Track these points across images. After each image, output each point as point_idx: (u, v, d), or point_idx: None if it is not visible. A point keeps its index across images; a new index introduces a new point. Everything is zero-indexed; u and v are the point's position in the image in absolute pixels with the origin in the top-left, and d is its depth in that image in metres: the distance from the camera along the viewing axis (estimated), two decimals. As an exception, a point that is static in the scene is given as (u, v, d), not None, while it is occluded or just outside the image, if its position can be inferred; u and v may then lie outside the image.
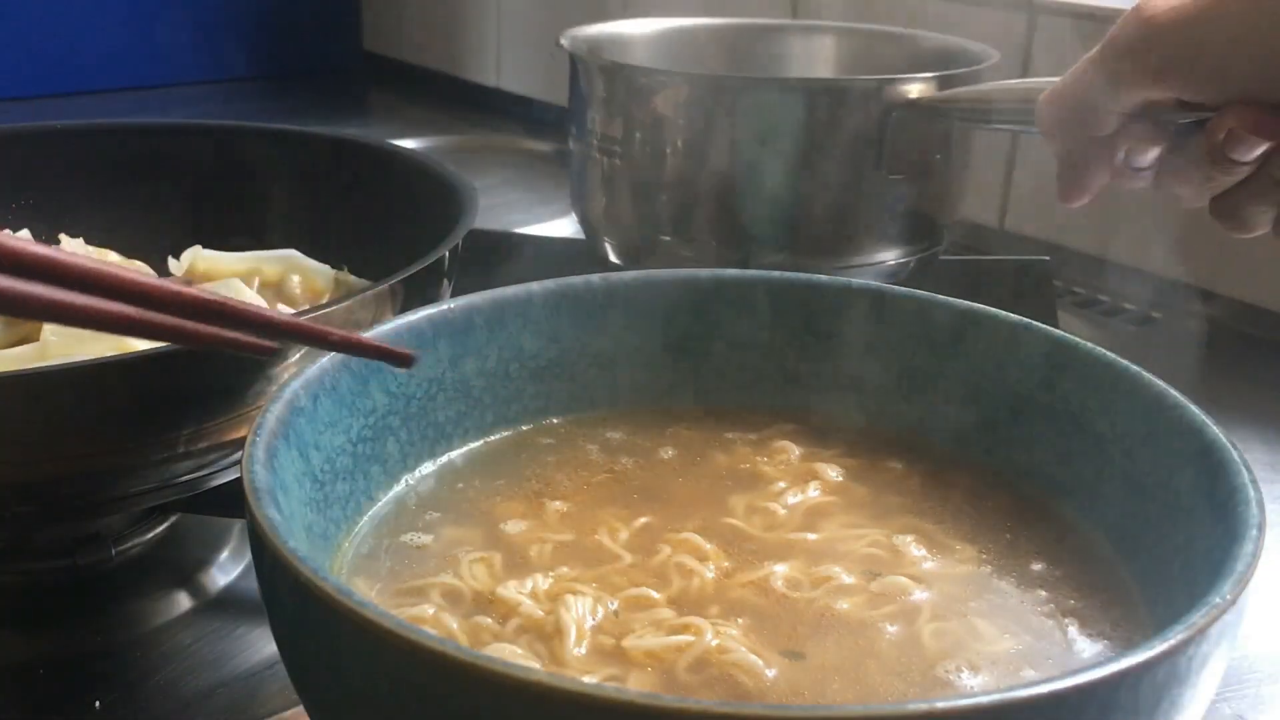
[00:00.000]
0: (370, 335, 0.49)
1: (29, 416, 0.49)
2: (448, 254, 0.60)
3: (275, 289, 0.69)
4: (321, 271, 0.70)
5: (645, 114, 0.83)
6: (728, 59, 1.03)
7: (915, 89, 0.80)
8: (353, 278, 0.71)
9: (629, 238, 0.86)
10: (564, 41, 0.89)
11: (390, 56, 1.78)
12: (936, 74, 0.81)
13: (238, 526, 0.65)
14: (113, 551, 0.60)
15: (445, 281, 0.62)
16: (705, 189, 0.82)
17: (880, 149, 0.80)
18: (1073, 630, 0.43)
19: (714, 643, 0.41)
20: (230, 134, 0.81)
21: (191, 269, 0.70)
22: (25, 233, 0.72)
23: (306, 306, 0.68)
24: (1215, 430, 0.44)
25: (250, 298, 0.64)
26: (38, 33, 1.57)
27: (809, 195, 0.81)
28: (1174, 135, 0.54)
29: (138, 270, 0.69)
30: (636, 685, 0.40)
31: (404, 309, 0.54)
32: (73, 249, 0.68)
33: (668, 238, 0.84)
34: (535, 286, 0.54)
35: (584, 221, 0.91)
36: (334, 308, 0.54)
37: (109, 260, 0.69)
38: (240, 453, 0.41)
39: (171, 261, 0.73)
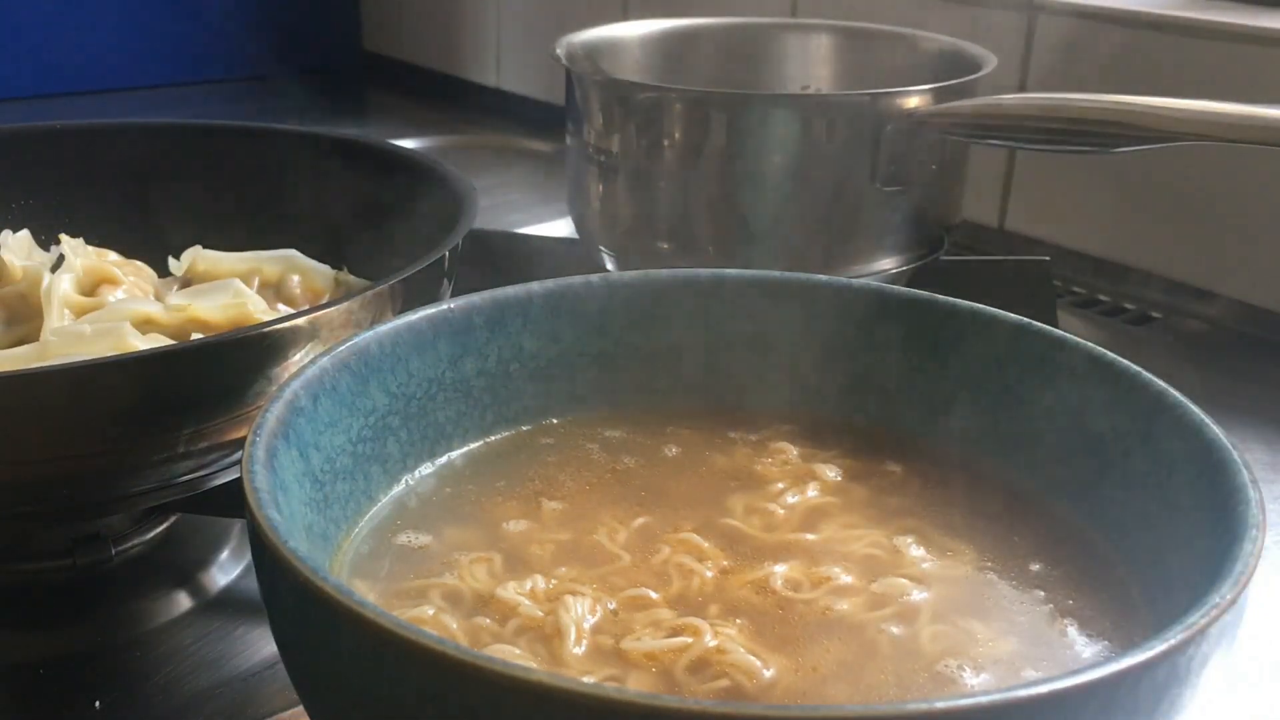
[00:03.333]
0: (370, 335, 0.49)
1: (29, 416, 0.49)
2: (448, 254, 0.60)
3: (275, 289, 0.69)
4: (321, 271, 0.70)
5: (640, 128, 0.82)
6: (726, 60, 1.03)
7: (910, 102, 0.79)
8: (353, 278, 0.71)
9: (625, 248, 0.86)
10: (559, 51, 0.89)
11: (390, 56, 1.78)
12: (931, 86, 0.81)
13: (238, 526, 0.65)
14: (113, 551, 0.60)
15: (445, 281, 0.62)
16: (700, 202, 0.82)
17: (875, 162, 0.79)
18: (1072, 630, 0.43)
19: (713, 643, 0.41)
20: (231, 134, 0.81)
21: (191, 269, 0.70)
22: (25, 233, 0.72)
23: (306, 306, 0.68)
24: (1215, 430, 0.44)
25: (250, 298, 0.64)
26: (38, 33, 1.57)
27: (804, 208, 0.81)
28: None
29: (136, 270, 0.69)
30: (635, 685, 0.40)
31: (404, 309, 0.54)
32: (72, 248, 0.68)
33: (665, 245, 0.84)
34: (535, 286, 0.54)
35: (580, 229, 0.91)
36: (334, 308, 0.54)
37: (109, 260, 0.69)
38: (240, 453, 0.41)
39: (171, 261, 0.73)
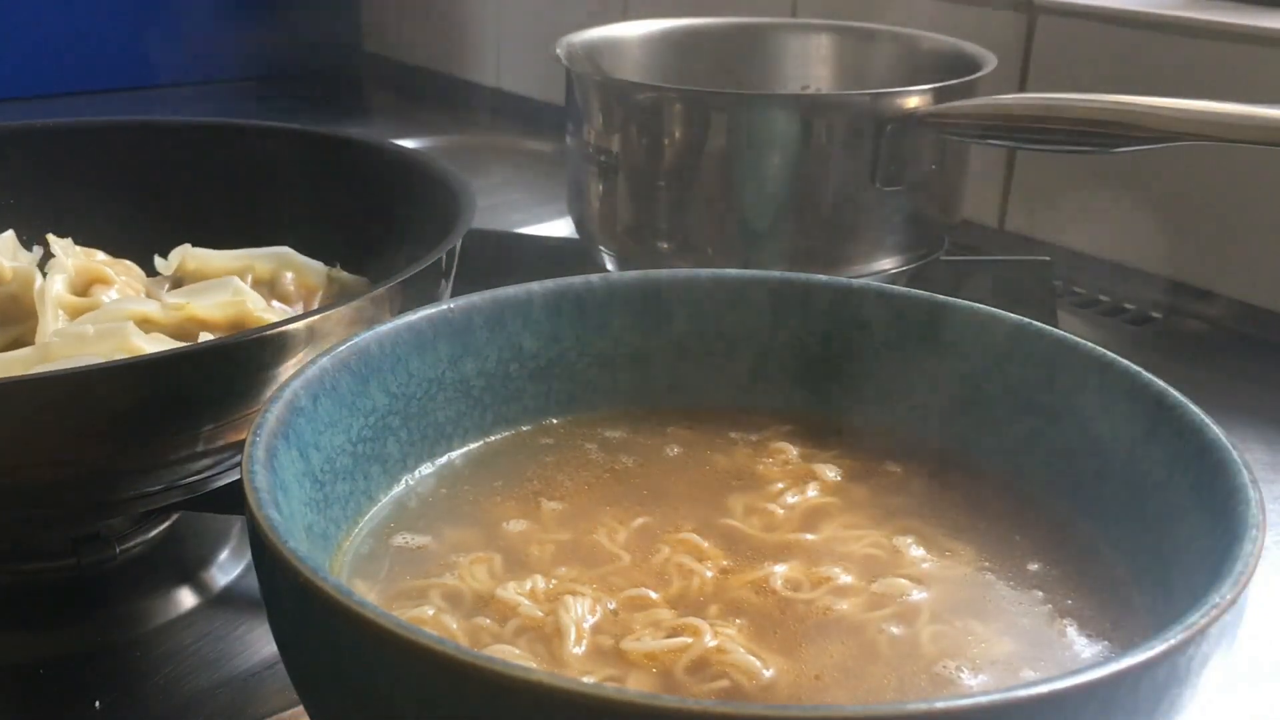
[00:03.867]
0: (370, 335, 0.49)
1: (34, 421, 0.49)
2: (444, 256, 0.60)
3: (268, 286, 0.69)
4: (314, 268, 0.70)
5: (640, 128, 0.82)
6: (726, 60, 1.03)
7: (910, 102, 0.79)
8: (345, 274, 0.71)
9: (625, 248, 0.86)
10: (559, 51, 0.89)
11: (390, 57, 1.78)
12: (931, 86, 0.80)
13: (238, 525, 0.65)
14: (116, 551, 0.60)
15: (444, 281, 0.62)
16: (700, 202, 0.82)
17: (875, 161, 0.79)
18: (1072, 630, 0.43)
19: (713, 643, 0.41)
20: (223, 132, 0.80)
21: (181, 267, 0.69)
22: (10, 234, 0.71)
23: (301, 303, 0.68)
24: (1215, 430, 0.44)
25: (250, 296, 0.64)
26: (37, 33, 1.57)
27: (804, 208, 0.81)
28: None
29: (126, 269, 0.69)
30: (635, 685, 0.40)
31: (402, 309, 0.54)
32: (61, 249, 0.68)
33: (665, 245, 0.84)
34: (535, 286, 0.54)
35: (580, 229, 0.91)
36: (332, 311, 0.54)
37: (97, 259, 0.68)
38: (241, 454, 0.41)
39: (158, 260, 0.72)
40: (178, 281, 0.69)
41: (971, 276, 0.92)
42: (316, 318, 0.53)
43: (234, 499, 0.40)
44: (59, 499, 0.53)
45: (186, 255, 0.70)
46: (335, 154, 0.77)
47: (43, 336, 0.61)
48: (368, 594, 0.44)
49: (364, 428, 0.49)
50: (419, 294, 0.58)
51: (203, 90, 1.68)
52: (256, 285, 0.68)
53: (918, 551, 0.48)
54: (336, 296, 0.70)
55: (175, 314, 0.62)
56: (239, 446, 0.53)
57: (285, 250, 0.70)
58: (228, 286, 0.64)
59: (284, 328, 0.52)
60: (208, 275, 0.68)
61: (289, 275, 0.69)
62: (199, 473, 0.54)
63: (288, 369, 0.52)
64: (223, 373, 0.51)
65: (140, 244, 0.73)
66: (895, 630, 0.43)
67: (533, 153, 1.37)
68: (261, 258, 0.69)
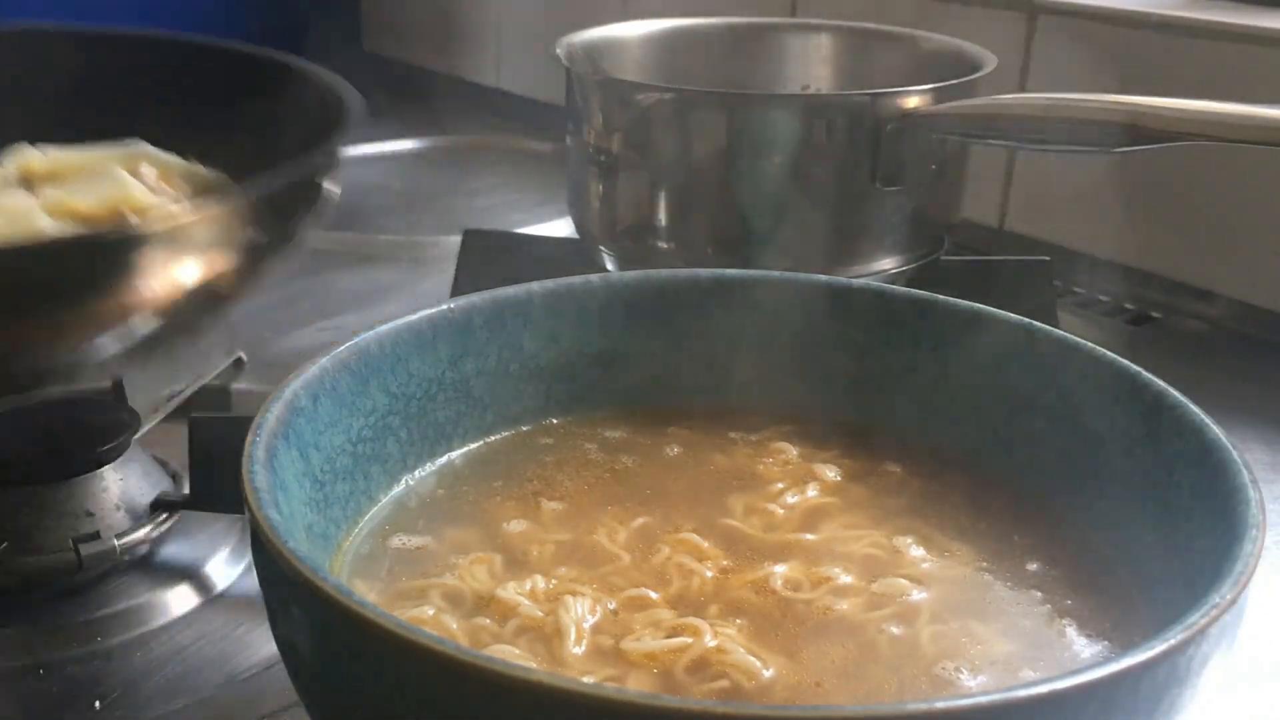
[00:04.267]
0: (370, 335, 0.49)
1: None
2: (322, 161, 0.57)
3: None
4: (172, 161, 0.66)
5: (640, 128, 0.82)
6: (726, 60, 1.02)
7: (910, 101, 0.79)
8: (203, 169, 0.67)
9: (625, 248, 0.86)
10: (559, 51, 0.89)
11: (390, 56, 1.78)
12: (931, 86, 0.80)
13: (238, 525, 0.65)
14: (117, 550, 0.60)
15: (322, 195, 0.59)
16: (700, 202, 0.82)
17: (875, 162, 0.79)
18: (1072, 631, 0.43)
19: (712, 643, 0.41)
20: (92, 40, 0.76)
21: (28, 170, 0.65)
22: None
23: (173, 194, 0.65)
24: (1215, 430, 0.44)
25: (132, 184, 0.61)
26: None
27: (804, 208, 0.81)
28: None
29: None
30: (635, 685, 0.40)
31: (280, 218, 0.54)
32: None
33: (664, 245, 0.84)
34: (535, 286, 0.54)
35: (580, 229, 0.91)
36: (205, 209, 0.52)
37: None
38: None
39: None
40: (27, 184, 0.64)
41: (971, 276, 0.92)
42: (185, 217, 0.51)
43: (234, 499, 0.40)
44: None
45: (31, 156, 0.65)
46: (195, 62, 0.72)
47: None
48: (368, 594, 0.44)
49: (364, 428, 0.49)
50: (298, 202, 0.56)
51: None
52: None
53: (918, 551, 0.48)
54: (197, 190, 0.65)
55: (56, 209, 0.59)
56: (93, 335, 0.52)
57: (138, 143, 0.66)
58: (108, 177, 0.61)
59: (150, 226, 0.50)
60: (61, 175, 0.64)
61: (147, 168, 0.65)
62: (66, 360, 0.53)
63: (156, 266, 0.51)
64: (90, 263, 0.49)
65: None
66: (895, 630, 0.43)
67: (533, 153, 1.37)
68: (116, 153, 0.65)
